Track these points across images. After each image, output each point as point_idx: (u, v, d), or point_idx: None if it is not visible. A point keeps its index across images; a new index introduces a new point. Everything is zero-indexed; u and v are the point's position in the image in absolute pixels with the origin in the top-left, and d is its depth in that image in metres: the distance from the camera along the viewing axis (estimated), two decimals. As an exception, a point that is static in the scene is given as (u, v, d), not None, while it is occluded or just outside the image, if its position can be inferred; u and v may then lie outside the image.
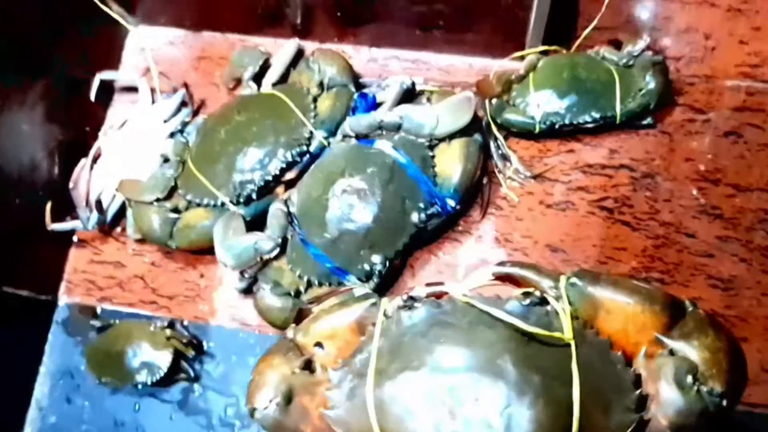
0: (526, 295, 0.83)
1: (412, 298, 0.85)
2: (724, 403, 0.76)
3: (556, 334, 0.78)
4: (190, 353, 1.22)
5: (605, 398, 0.77)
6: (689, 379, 0.76)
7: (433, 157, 1.17)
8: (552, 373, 0.76)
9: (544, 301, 0.83)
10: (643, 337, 0.81)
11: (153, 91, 1.40)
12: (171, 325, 1.24)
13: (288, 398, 0.85)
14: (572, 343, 0.78)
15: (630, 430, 0.76)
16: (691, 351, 0.78)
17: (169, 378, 1.21)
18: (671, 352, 0.79)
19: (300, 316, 1.00)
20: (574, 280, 0.84)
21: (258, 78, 1.34)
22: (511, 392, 0.73)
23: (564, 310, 0.81)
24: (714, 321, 0.82)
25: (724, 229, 1.17)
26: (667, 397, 0.77)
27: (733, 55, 1.26)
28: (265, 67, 1.35)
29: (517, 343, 0.78)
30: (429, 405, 0.75)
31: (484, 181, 1.23)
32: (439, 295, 0.87)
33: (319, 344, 0.90)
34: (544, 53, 1.28)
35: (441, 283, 0.89)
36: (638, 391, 0.78)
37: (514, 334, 0.79)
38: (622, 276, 0.93)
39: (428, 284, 0.89)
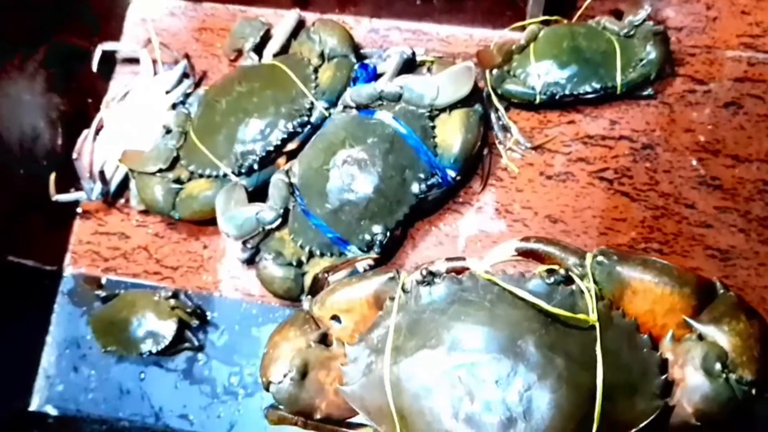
0: (550, 272, 0.80)
1: (431, 273, 0.82)
2: (753, 391, 0.72)
3: (581, 316, 0.75)
4: (194, 323, 1.24)
5: (630, 383, 0.74)
6: (718, 366, 0.72)
7: (433, 127, 1.17)
8: (575, 355, 0.73)
9: (568, 279, 0.80)
10: (670, 320, 0.78)
11: (154, 62, 1.40)
12: (175, 295, 1.25)
13: (303, 373, 0.83)
14: (597, 325, 0.75)
15: (654, 415, 0.73)
16: (721, 336, 0.74)
17: (174, 347, 1.23)
18: (700, 337, 0.76)
19: (315, 285, 0.99)
20: (600, 258, 0.80)
21: (259, 49, 1.35)
22: (533, 375, 0.71)
23: (589, 290, 0.78)
24: (746, 305, 0.79)
25: (723, 200, 1.17)
26: (693, 384, 0.74)
27: (735, 25, 1.25)
28: (266, 38, 1.36)
29: (540, 323, 0.75)
30: (447, 384, 0.73)
31: (485, 152, 1.23)
32: (459, 271, 0.84)
33: (335, 317, 0.88)
34: (545, 23, 1.28)
35: (462, 258, 0.85)
36: (664, 377, 0.75)
37: (537, 314, 0.76)
38: (650, 256, 0.89)
39: (448, 259, 0.86)
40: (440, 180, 1.15)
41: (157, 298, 1.24)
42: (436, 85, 1.14)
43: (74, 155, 1.31)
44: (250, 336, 1.23)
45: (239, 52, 1.38)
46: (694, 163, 1.20)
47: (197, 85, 1.40)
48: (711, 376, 0.73)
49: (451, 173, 1.15)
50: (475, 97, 1.18)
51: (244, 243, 1.18)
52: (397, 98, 1.16)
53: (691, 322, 0.77)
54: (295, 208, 1.16)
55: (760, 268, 1.13)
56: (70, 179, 1.32)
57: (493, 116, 1.25)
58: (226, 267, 1.28)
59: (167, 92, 1.35)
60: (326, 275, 0.97)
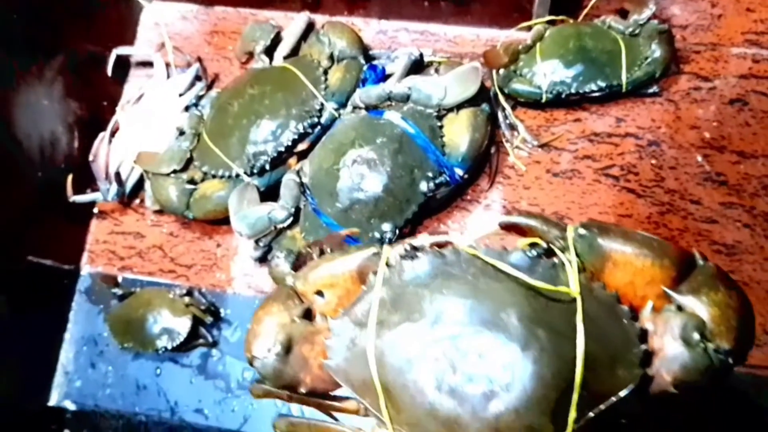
0: (532, 246, 0.80)
1: (414, 247, 0.82)
2: (731, 360, 0.73)
3: (562, 289, 0.75)
4: (208, 319, 1.26)
5: (610, 353, 0.74)
6: (696, 335, 0.73)
7: (441, 127, 1.19)
8: (557, 327, 0.73)
9: (550, 252, 0.80)
10: (650, 291, 0.78)
11: (168, 65, 1.42)
12: (189, 292, 1.28)
13: (287, 347, 0.83)
14: (578, 297, 0.75)
15: (634, 384, 0.73)
16: (700, 307, 0.75)
17: (189, 343, 1.25)
18: (679, 308, 0.76)
19: (298, 261, 0.98)
20: (582, 230, 0.80)
21: (270, 51, 1.37)
22: (515, 347, 0.71)
23: (571, 263, 0.78)
24: (725, 276, 0.79)
25: (728, 196, 1.18)
26: (672, 353, 0.74)
27: (740, 22, 1.27)
28: (276, 40, 1.38)
29: (522, 296, 0.75)
30: (430, 357, 0.74)
31: (492, 150, 1.25)
32: (442, 245, 0.83)
33: (319, 292, 0.87)
34: (551, 23, 1.30)
35: (445, 233, 0.86)
36: (644, 347, 0.75)
37: (519, 287, 0.76)
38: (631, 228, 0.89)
39: (431, 233, 0.86)
40: (448, 178, 1.17)
41: (172, 296, 1.27)
42: (443, 86, 1.16)
43: (91, 157, 1.34)
44: (263, 333, 1.25)
45: (250, 55, 1.40)
46: (700, 159, 1.21)
47: (209, 87, 1.43)
48: (689, 346, 0.73)
49: (459, 172, 1.17)
50: (482, 96, 1.20)
51: (257, 241, 1.20)
52: (406, 99, 1.18)
53: (670, 292, 0.77)
54: (306, 207, 1.19)
55: (766, 262, 1.14)
56: (86, 181, 1.34)
57: (500, 115, 1.27)
58: (239, 265, 1.31)
59: (180, 95, 1.38)
60: (310, 250, 0.96)
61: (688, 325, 0.74)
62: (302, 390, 0.84)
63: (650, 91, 1.24)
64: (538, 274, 0.77)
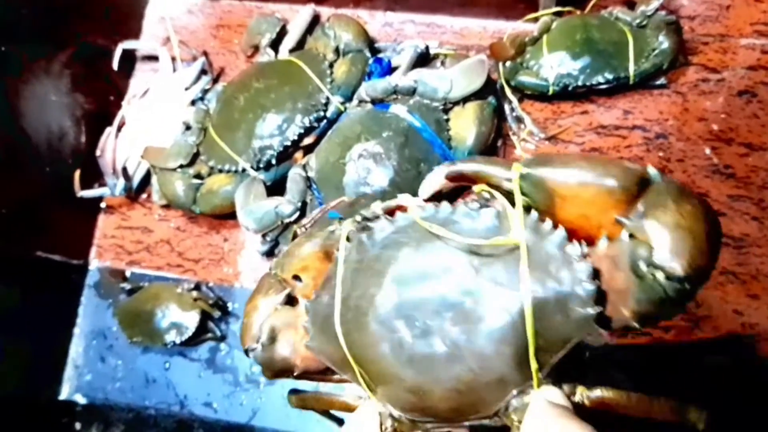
0: (477, 196, 0.76)
1: (366, 218, 0.79)
2: (687, 286, 0.65)
3: (498, 242, 0.71)
4: (216, 314, 1.27)
5: (562, 297, 0.69)
6: (643, 265, 0.66)
7: (447, 120, 1.18)
8: (504, 280, 0.70)
9: (495, 197, 0.75)
10: (605, 219, 0.71)
11: (173, 59, 1.43)
12: (197, 287, 1.29)
13: (272, 337, 0.84)
14: (522, 245, 0.70)
15: (591, 326, 0.68)
16: (650, 231, 0.67)
17: (197, 337, 1.26)
18: (632, 235, 0.69)
19: (294, 240, 1.00)
20: (525, 169, 0.73)
21: (275, 45, 1.37)
22: (464, 307, 0.70)
23: (515, 206, 0.72)
24: (677, 191, 0.69)
25: (737, 188, 1.17)
26: (624, 287, 0.68)
27: (748, 13, 1.25)
28: (282, 33, 1.38)
29: (468, 252, 0.72)
30: (387, 330, 0.73)
31: (499, 143, 1.24)
32: (393, 211, 0.80)
33: (296, 277, 0.87)
34: (558, 15, 1.29)
35: (395, 197, 0.81)
36: (595, 284, 0.69)
37: (464, 245, 0.73)
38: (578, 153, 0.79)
39: (383, 200, 0.82)
40: (454, 172, 1.17)
41: (180, 290, 1.28)
42: (449, 79, 1.16)
43: (98, 152, 1.35)
44: (270, 326, 1.26)
45: (256, 48, 1.40)
46: (708, 151, 1.20)
47: (215, 81, 1.43)
48: (639, 277, 0.67)
49: (465, 165, 1.16)
50: (488, 89, 1.19)
51: (264, 236, 1.20)
52: (412, 92, 1.18)
53: (621, 219, 0.69)
54: (313, 201, 1.19)
55: (774, 255, 1.14)
56: (94, 176, 1.35)
57: (506, 108, 1.26)
58: (246, 259, 1.31)
59: (186, 89, 1.38)
60: (304, 231, 0.97)
61: (634, 254, 0.67)
62: (296, 372, 0.85)
63: (658, 83, 1.23)
64: (481, 228, 0.73)
